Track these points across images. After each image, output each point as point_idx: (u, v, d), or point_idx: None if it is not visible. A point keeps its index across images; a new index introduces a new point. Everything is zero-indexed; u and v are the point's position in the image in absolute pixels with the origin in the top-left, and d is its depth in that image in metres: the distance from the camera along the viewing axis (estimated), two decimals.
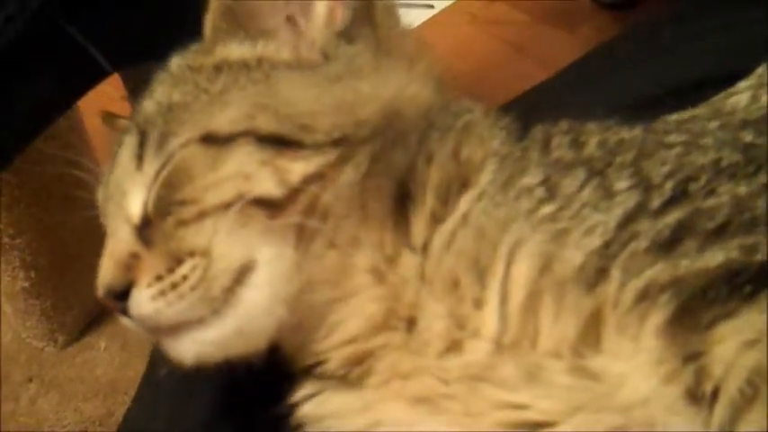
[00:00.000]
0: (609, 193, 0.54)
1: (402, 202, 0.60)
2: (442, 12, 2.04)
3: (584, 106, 0.78)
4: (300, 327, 0.60)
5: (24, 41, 0.80)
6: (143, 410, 0.80)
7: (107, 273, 0.57)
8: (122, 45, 0.88)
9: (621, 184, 0.54)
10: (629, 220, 0.52)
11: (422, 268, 0.58)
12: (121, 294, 0.56)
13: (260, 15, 0.64)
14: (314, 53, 0.63)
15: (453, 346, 0.56)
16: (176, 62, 0.66)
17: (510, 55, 1.88)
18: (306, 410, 0.61)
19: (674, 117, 0.64)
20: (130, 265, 0.57)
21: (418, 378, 0.57)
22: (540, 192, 0.55)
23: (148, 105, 0.63)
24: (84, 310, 1.58)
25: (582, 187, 0.54)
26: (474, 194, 0.58)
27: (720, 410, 0.45)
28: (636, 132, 0.59)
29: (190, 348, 0.57)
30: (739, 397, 0.44)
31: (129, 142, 0.61)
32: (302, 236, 0.57)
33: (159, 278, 0.55)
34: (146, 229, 0.58)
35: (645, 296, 0.49)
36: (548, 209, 0.54)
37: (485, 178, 0.58)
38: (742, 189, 0.51)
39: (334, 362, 0.60)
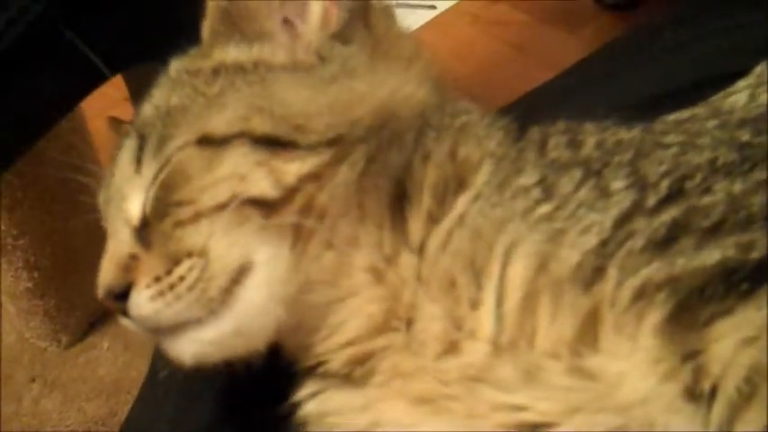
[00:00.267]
0: (605, 193, 0.53)
1: (399, 201, 0.60)
2: (444, 12, 2.04)
3: (585, 108, 0.78)
4: (300, 327, 0.60)
5: (25, 44, 0.80)
6: (146, 411, 0.80)
7: (107, 274, 0.58)
8: (121, 48, 0.89)
9: (618, 183, 0.54)
10: (625, 219, 0.52)
11: (418, 268, 0.58)
12: (121, 295, 0.57)
13: (256, 18, 0.64)
14: (309, 55, 0.63)
15: (451, 348, 0.56)
16: (175, 66, 0.66)
17: (511, 55, 1.87)
18: (308, 409, 0.61)
19: (672, 117, 0.64)
20: (130, 266, 0.57)
21: (420, 379, 0.57)
22: (536, 192, 0.55)
23: (147, 109, 0.63)
24: (88, 310, 1.58)
25: (578, 187, 0.54)
26: (470, 195, 0.58)
27: (719, 409, 0.45)
28: (634, 133, 0.59)
29: (188, 348, 0.57)
30: (737, 395, 0.44)
31: (129, 146, 0.62)
32: (299, 236, 0.58)
33: (158, 279, 0.56)
34: (145, 230, 0.58)
35: (642, 295, 0.49)
36: (544, 209, 0.54)
37: (481, 179, 0.58)
38: (737, 186, 0.51)
39: (337, 362, 0.60)
